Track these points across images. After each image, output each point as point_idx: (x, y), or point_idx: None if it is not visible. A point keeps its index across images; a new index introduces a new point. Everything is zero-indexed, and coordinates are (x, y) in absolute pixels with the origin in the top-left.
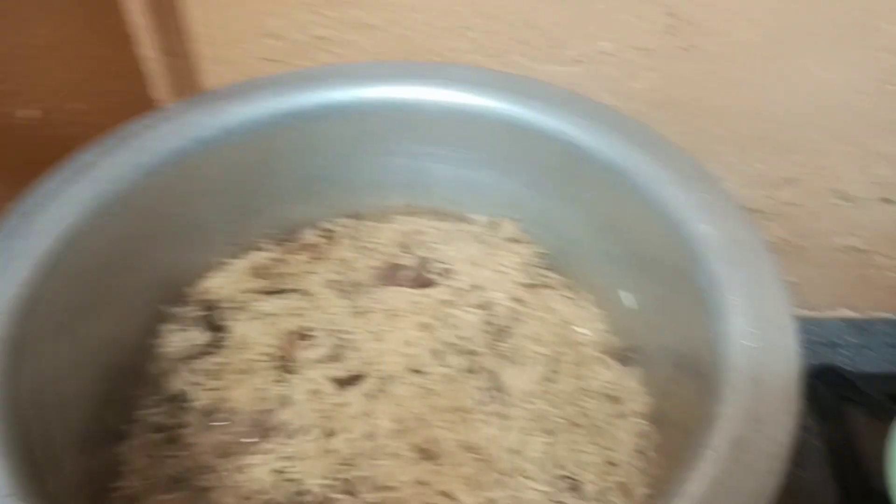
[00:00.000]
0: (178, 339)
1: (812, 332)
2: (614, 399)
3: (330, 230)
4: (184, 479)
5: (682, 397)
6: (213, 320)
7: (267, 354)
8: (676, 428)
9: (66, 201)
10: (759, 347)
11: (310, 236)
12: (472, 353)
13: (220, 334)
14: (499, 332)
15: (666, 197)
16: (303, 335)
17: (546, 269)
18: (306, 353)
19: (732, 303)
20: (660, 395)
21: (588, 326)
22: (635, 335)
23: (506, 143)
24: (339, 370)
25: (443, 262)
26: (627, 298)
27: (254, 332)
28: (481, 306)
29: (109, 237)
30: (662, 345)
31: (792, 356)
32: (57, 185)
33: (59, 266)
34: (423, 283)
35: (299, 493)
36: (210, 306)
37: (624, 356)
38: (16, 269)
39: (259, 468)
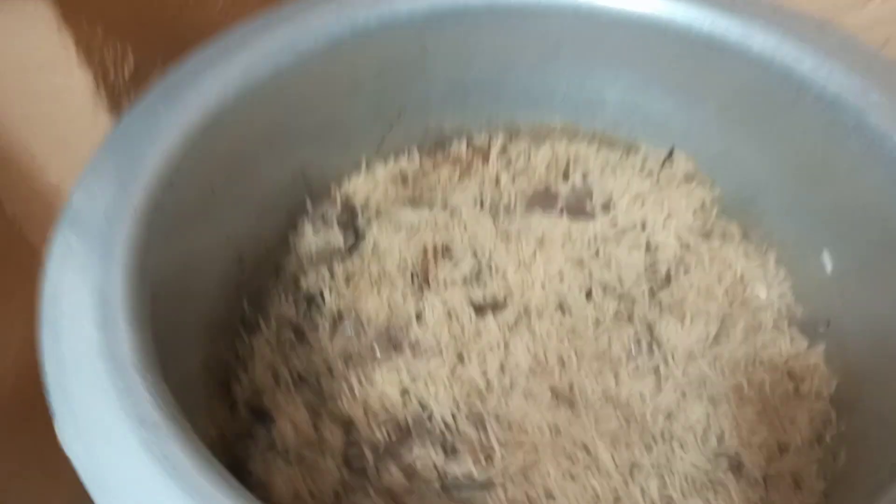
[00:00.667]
0: (317, 238)
1: None
2: (793, 376)
3: (481, 145)
4: (309, 380)
5: (881, 384)
6: (352, 224)
7: (404, 267)
8: (870, 419)
9: (215, 78)
10: None
11: (459, 149)
12: (628, 298)
13: (359, 239)
14: (662, 280)
15: None
16: (444, 252)
17: (724, 215)
18: (446, 272)
19: None
20: (851, 377)
21: (769, 288)
22: (827, 305)
23: (692, 61)
24: (479, 294)
25: (604, 195)
26: (824, 260)
27: (393, 241)
28: (645, 248)
29: (256, 121)
30: (862, 319)
31: None
32: (205, 62)
33: (203, 143)
34: (581, 214)
35: (427, 417)
36: (351, 209)
37: (810, 328)
38: (160, 140)
39: (387, 383)
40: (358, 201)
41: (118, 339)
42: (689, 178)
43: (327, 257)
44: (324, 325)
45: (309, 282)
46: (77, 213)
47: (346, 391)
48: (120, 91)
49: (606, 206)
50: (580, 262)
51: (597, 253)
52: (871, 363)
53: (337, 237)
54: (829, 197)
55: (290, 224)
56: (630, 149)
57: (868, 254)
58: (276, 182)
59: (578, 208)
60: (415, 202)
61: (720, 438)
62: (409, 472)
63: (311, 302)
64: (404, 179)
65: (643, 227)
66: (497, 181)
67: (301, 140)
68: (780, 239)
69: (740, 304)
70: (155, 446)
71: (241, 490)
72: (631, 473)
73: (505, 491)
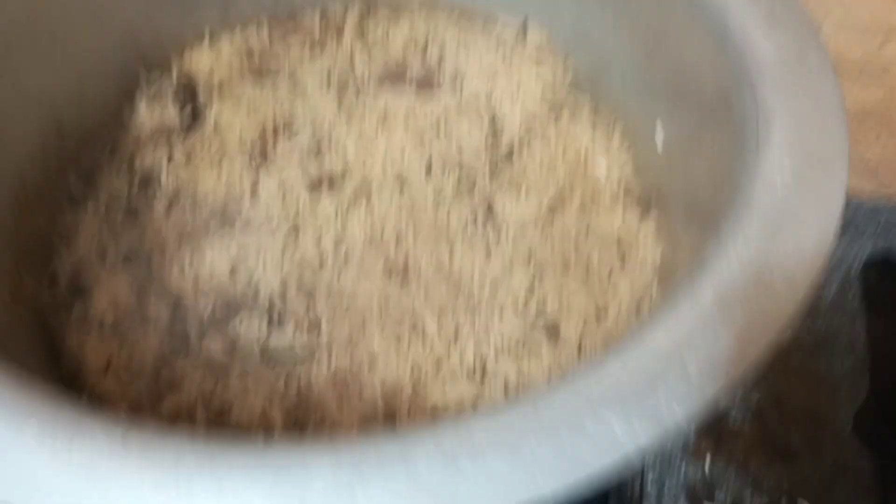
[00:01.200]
0: (151, 115)
1: (888, 215)
2: (622, 246)
3: (335, 19)
4: (137, 258)
5: (688, 245)
6: (191, 101)
7: (243, 141)
8: (675, 281)
9: None
10: (792, 189)
11: (310, 21)
12: (468, 172)
13: (197, 119)
14: (504, 155)
15: (726, 5)
16: (284, 128)
17: (575, 90)
18: (284, 146)
19: (774, 137)
20: (674, 248)
21: (610, 161)
22: (660, 177)
23: None
24: (317, 169)
25: (455, 69)
26: (656, 132)
27: (233, 116)
28: (489, 122)
29: None
30: (683, 187)
31: (833, 206)
32: None
33: None
34: (428, 89)
35: (254, 290)
36: (191, 82)
37: (644, 201)
38: None
39: (217, 258)
40: (198, 73)
41: None
42: (541, 52)
43: (165, 136)
44: (159, 204)
45: (144, 161)
46: None
47: (176, 269)
48: None
49: (455, 81)
50: (422, 137)
51: (439, 128)
52: (683, 229)
53: (174, 112)
54: (663, 68)
55: (125, 96)
56: (488, 20)
57: (698, 123)
58: (97, 45)
59: (426, 82)
60: (260, 78)
61: (541, 304)
62: (231, 345)
63: (148, 178)
64: (250, 53)
65: (489, 100)
66: (351, 58)
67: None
68: (624, 114)
69: (581, 177)
70: None
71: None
72: (455, 340)
73: (329, 357)
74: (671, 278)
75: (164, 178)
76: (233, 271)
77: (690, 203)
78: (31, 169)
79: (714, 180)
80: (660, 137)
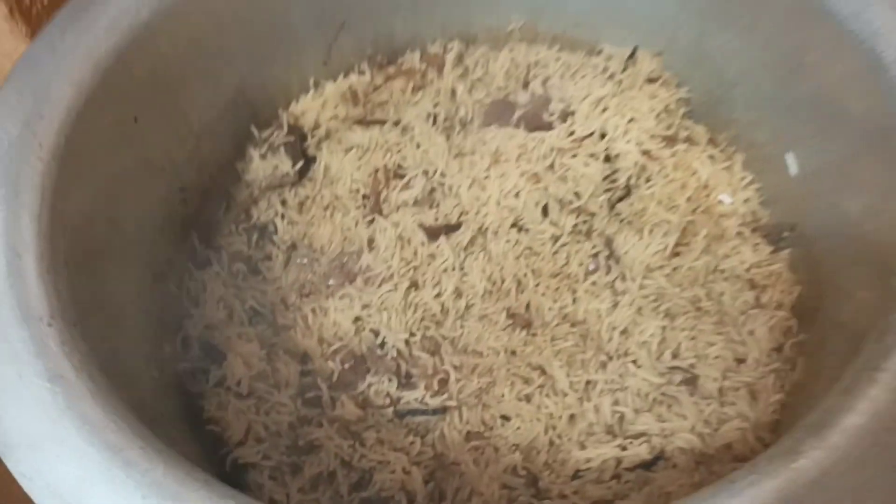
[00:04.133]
0: (264, 164)
1: None
2: (754, 285)
3: (435, 54)
4: (263, 314)
5: (849, 292)
6: (300, 147)
7: (356, 191)
8: (829, 327)
9: None
10: None
11: (412, 61)
12: (586, 212)
13: (308, 164)
14: (621, 191)
15: (878, 28)
16: (396, 173)
17: (690, 118)
18: (398, 194)
19: None
20: (813, 284)
21: (735, 194)
22: (793, 208)
23: None
24: (432, 217)
25: (564, 102)
26: (793, 161)
27: (343, 164)
28: (604, 159)
29: (177, 39)
30: (827, 221)
31: None
32: None
33: (117, 68)
34: (538, 125)
35: (379, 345)
36: (299, 132)
37: (775, 235)
38: (66, 69)
39: (340, 313)
40: (306, 123)
41: (27, 291)
42: (653, 80)
43: (277, 184)
44: (277, 255)
45: (260, 211)
46: None
47: (300, 323)
48: (38, 16)
49: (565, 115)
50: (537, 177)
51: (552, 166)
52: (834, 268)
53: (285, 162)
54: (798, 92)
55: (237, 151)
56: (594, 50)
57: (847, 152)
58: (212, 105)
59: (537, 120)
60: (366, 121)
61: (675, 353)
62: (362, 401)
63: (264, 232)
64: (354, 97)
65: (602, 135)
66: (453, 93)
67: (235, 57)
68: (747, 141)
69: (703, 212)
70: (62, 400)
71: (153, 441)
72: (586, 392)
73: (460, 415)
74: (813, 319)
75: (280, 230)
76: (357, 329)
77: (845, 237)
78: (161, 236)
79: (877, 220)
80: (793, 167)
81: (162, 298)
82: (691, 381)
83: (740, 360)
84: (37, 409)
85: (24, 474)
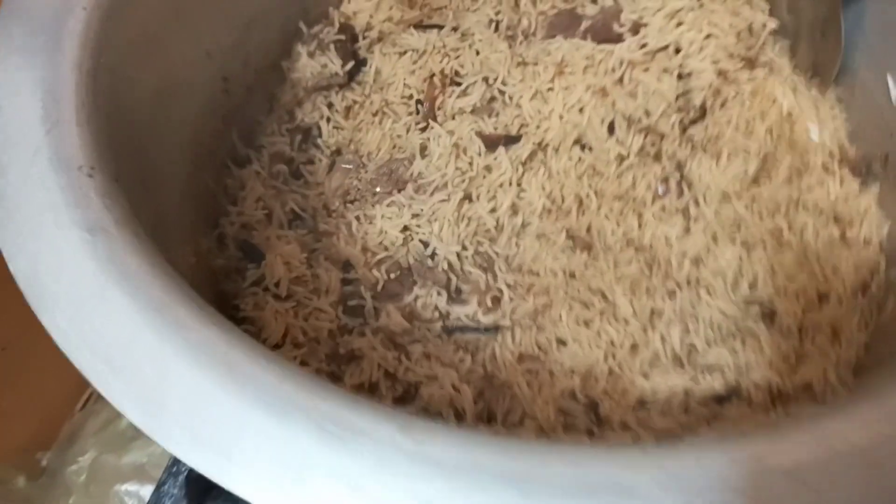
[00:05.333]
0: (313, 63)
1: None
2: (840, 220)
3: None
4: (304, 217)
5: None
6: (351, 48)
7: (408, 96)
8: None
9: None
10: None
11: None
12: (655, 132)
13: (359, 66)
14: (695, 113)
15: None
16: (453, 79)
17: (775, 39)
18: (454, 101)
19: None
20: None
21: (821, 125)
22: (886, 139)
23: None
24: (491, 126)
25: (636, 14)
26: (889, 85)
27: (397, 68)
28: (678, 76)
29: None
30: None
31: None
32: None
33: None
34: (607, 37)
35: (429, 257)
36: (351, 32)
37: (864, 167)
38: None
39: (388, 221)
40: (358, 23)
41: (65, 139)
42: None
43: (324, 85)
44: (320, 159)
45: (304, 113)
46: (19, 3)
47: (344, 230)
48: None
49: (636, 27)
50: (603, 91)
51: (621, 80)
52: None
53: (335, 62)
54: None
55: (284, 49)
56: None
57: None
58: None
59: (605, 31)
60: (423, 24)
61: (752, 285)
62: (409, 314)
63: (308, 134)
64: (411, 1)
65: (676, 50)
66: (516, 3)
67: None
68: (843, 66)
69: (787, 142)
70: (102, 251)
71: (203, 304)
72: (651, 321)
73: (513, 336)
74: None
75: (325, 134)
76: (405, 239)
77: None
78: (202, 125)
79: None
80: (894, 91)
81: (199, 191)
82: (769, 316)
83: (823, 297)
84: (75, 260)
85: (60, 328)
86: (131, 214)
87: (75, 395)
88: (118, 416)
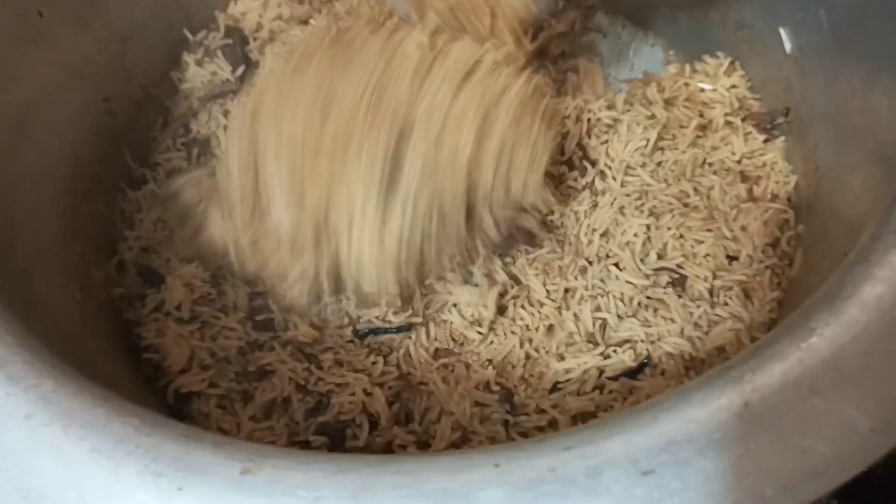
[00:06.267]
0: (202, 72)
1: None
2: (746, 177)
3: None
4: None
5: (846, 180)
6: (242, 52)
7: None
8: (828, 216)
9: None
10: None
11: None
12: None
13: (251, 69)
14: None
15: None
16: None
17: None
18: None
19: None
20: (811, 174)
21: (718, 80)
22: (786, 90)
23: None
24: None
25: None
26: (783, 37)
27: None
28: None
29: None
30: (824, 100)
31: None
32: None
33: None
34: None
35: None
36: (239, 35)
37: (769, 122)
38: None
39: None
40: (248, 25)
41: None
42: None
43: (217, 93)
44: (220, 169)
45: (200, 124)
46: None
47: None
48: None
49: None
50: None
51: None
52: (830, 153)
53: (224, 68)
54: None
55: (171, 59)
56: None
57: (831, 24)
58: (135, 3)
59: None
60: (308, 20)
61: (661, 253)
62: (319, 322)
63: (206, 147)
64: None
65: None
66: None
67: None
68: (735, 19)
69: (690, 102)
70: None
71: (44, 356)
72: (564, 300)
73: (427, 332)
74: (810, 209)
75: (222, 140)
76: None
77: (841, 117)
78: (85, 150)
79: (873, 85)
80: (787, 43)
81: (90, 218)
82: (679, 283)
83: (732, 258)
84: None
85: None
86: None
87: None
88: None
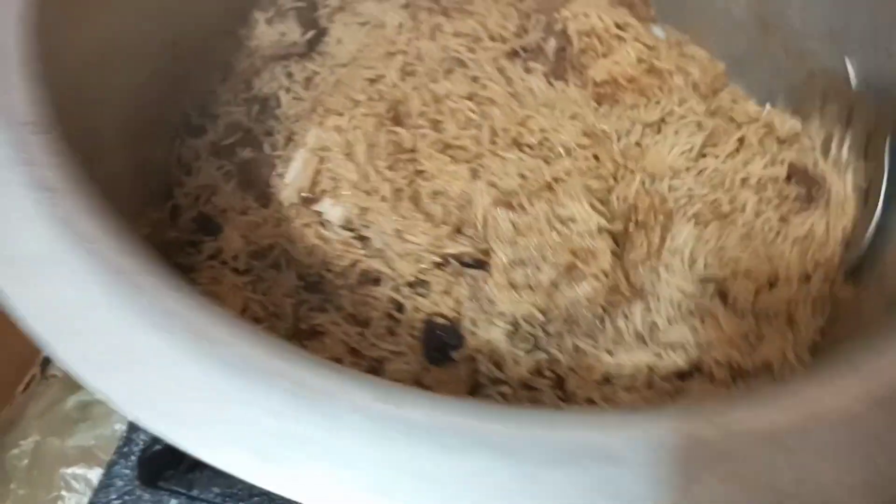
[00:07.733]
0: (271, 31)
1: None
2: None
3: None
4: (263, 196)
5: None
6: (313, 17)
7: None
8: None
9: None
10: None
11: None
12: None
13: (320, 36)
14: None
15: None
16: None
17: None
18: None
19: None
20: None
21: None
22: None
23: None
24: None
25: None
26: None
27: (356, 40)
28: None
29: None
30: None
31: None
32: None
33: None
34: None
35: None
36: (312, 1)
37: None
38: None
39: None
40: None
41: (10, 94)
42: None
43: (283, 55)
44: (279, 130)
45: (262, 82)
46: None
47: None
48: None
49: None
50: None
51: None
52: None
53: (294, 30)
54: None
55: (239, 16)
56: None
57: None
58: None
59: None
60: None
61: (707, 264)
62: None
63: (266, 105)
64: None
65: None
66: None
67: None
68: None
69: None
70: (54, 212)
71: (160, 265)
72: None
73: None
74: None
75: (283, 104)
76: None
77: None
78: (147, 93)
79: None
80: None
81: (147, 162)
82: (723, 296)
83: (773, 282)
84: (24, 222)
85: (10, 293)
86: (84, 175)
87: (15, 378)
88: (63, 398)
